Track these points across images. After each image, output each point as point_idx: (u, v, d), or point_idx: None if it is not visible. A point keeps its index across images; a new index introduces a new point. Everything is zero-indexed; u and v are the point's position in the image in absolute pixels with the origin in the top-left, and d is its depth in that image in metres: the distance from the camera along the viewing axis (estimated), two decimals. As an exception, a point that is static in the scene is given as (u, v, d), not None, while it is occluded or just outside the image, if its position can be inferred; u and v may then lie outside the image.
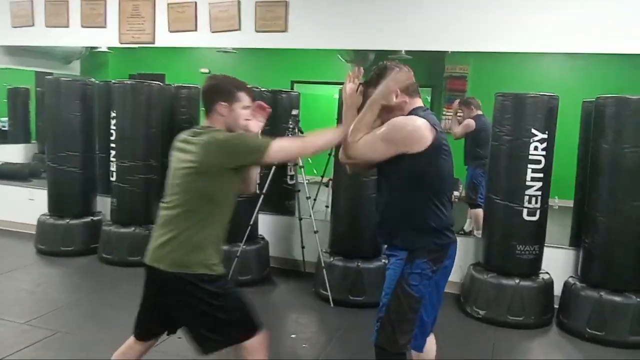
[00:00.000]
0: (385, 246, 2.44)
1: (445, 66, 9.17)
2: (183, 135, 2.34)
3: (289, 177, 5.45)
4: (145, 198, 5.01)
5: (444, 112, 9.21)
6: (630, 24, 4.16)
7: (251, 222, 4.52)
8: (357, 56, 9.13)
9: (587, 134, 4.53)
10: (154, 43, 5.35)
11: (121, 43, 5.44)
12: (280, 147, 2.25)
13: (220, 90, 2.29)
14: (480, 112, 5.47)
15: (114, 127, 4.97)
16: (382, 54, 8.54)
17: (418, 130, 2.17)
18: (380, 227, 2.39)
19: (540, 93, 4.05)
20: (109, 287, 4.52)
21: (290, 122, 4.60)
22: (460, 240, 4.78)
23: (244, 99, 2.30)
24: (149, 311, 2.36)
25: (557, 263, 4.33)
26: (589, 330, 3.80)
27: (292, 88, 9.32)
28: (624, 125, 3.77)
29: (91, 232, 5.20)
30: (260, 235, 4.90)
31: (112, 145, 4.99)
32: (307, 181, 4.66)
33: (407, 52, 7.20)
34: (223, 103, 2.26)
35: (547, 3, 4.36)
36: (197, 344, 2.29)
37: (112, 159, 5.00)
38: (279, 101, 5.55)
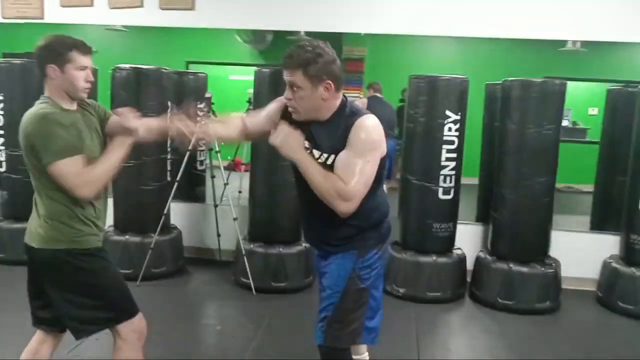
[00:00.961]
0: (323, 249, 2.26)
1: (342, 47, 9.28)
2: None
3: (198, 162, 5.24)
4: (41, 189, 4.58)
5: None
6: (525, 10, 4.41)
7: (165, 212, 4.28)
8: (255, 36, 9.00)
9: (491, 115, 4.80)
10: (42, 18, 4.85)
11: (4, 17, 4.88)
12: (62, 172, 2.00)
13: (48, 51, 2.07)
14: (376, 95, 5.66)
15: (1, 112, 4.47)
16: (280, 35, 8.48)
17: (383, 132, 2.06)
18: (316, 235, 2.26)
19: (452, 75, 4.19)
20: (4, 289, 4.08)
21: (204, 105, 4.39)
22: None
23: (78, 58, 2.06)
24: (32, 293, 2.26)
25: (467, 238, 4.55)
26: (499, 300, 4.05)
27: (187, 68, 8.97)
28: (529, 107, 4.01)
29: (-24, 229, 4.68)
30: (173, 224, 4.67)
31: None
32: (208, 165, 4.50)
33: (306, 32, 7.16)
34: (52, 66, 2.05)
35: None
36: (68, 326, 2.21)
37: (-1, 147, 4.50)
38: (186, 83, 5.30)
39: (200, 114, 4.20)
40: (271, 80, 4.26)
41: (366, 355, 2.56)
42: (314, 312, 4.05)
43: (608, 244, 4.42)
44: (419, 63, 8.46)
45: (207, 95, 4.45)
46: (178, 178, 4.27)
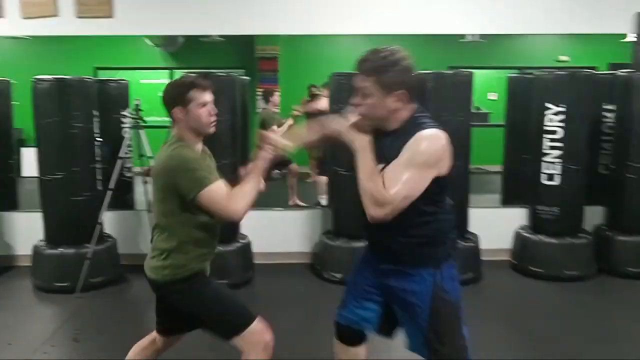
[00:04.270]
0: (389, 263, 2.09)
1: (255, 47, 9.41)
2: None
3: (126, 169, 5.21)
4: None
5: (257, 92, 9.50)
6: (429, 8, 4.81)
7: (99, 221, 4.28)
8: (166, 39, 8.94)
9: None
10: (-51, 31, 4.66)
11: None
12: (210, 197, 2.08)
13: (170, 96, 2.18)
14: None
15: None
16: (191, 37, 8.49)
17: (448, 147, 1.90)
18: (390, 254, 2.08)
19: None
20: None
21: (133, 113, 4.40)
22: (306, 213, 5.15)
23: (199, 96, 2.15)
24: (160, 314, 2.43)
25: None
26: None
27: (95, 75, 8.77)
28: (442, 97, 4.35)
29: None
30: (107, 233, 4.65)
31: None
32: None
33: (220, 35, 7.23)
34: (177, 108, 2.15)
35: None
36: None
37: None
38: (107, 91, 5.23)
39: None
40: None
41: None
42: (257, 306, 4.23)
43: (518, 217, 4.91)
44: (332, 60, 8.72)
45: (136, 102, 4.46)
46: (112, 186, 4.26)
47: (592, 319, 3.86)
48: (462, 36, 8.07)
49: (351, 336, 2.32)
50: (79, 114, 4.25)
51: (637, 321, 3.79)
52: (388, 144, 1.94)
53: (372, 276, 2.18)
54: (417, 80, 1.96)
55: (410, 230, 1.98)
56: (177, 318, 2.36)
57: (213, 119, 2.19)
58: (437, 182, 1.90)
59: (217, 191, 2.09)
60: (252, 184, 2.15)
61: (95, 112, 4.41)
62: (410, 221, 1.94)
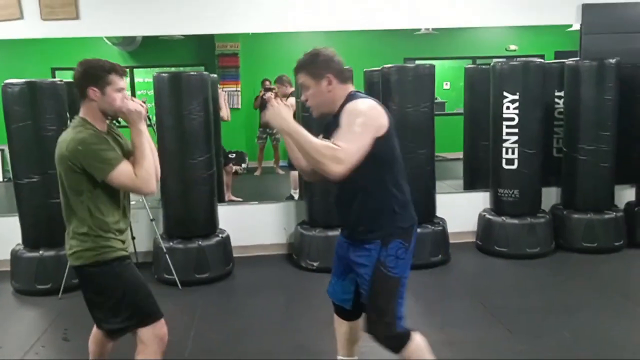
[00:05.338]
0: (348, 237, 2.35)
1: (215, 44, 9.44)
2: None
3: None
4: None
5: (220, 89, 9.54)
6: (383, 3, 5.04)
7: (79, 222, 4.32)
8: (124, 38, 8.88)
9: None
10: None
11: None
12: (121, 173, 2.19)
13: (89, 74, 2.21)
14: (293, 89, 5.94)
15: None
16: (149, 35, 8.47)
17: (381, 112, 2.16)
18: (343, 221, 2.36)
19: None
20: None
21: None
22: (281, 205, 5.29)
23: (116, 81, 2.22)
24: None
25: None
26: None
27: (53, 76, 8.66)
28: (406, 89, 4.59)
29: None
30: (84, 234, 4.68)
31: None
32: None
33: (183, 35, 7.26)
34: (93, 88, 2.20)
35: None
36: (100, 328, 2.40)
37: None
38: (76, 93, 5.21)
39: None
40: (171, 83, 4.44)
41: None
42: (240, 297, 4.35)
43: (481, 200, 5.21)
44: (293, 56, 8.83)
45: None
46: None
47: (550, 291, 4.18)
48: (417, 29, 8.34)
49: (342, 311, 2.52)
50: (51, 116, 4.28)
51: (589, 291, 4.11)
52: (335, 123, 2.17)
53: (343, 253, 2.39)
54: (341, 65, 2.25)
55: (364, 200, 2.21)
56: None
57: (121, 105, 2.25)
58: (378, 143, 2.11)
59: (124, 172, 2.19)
60: (144, 152, 2.25)
61: (68, 115, 4.44)
62: (363, 190, 2.19)
